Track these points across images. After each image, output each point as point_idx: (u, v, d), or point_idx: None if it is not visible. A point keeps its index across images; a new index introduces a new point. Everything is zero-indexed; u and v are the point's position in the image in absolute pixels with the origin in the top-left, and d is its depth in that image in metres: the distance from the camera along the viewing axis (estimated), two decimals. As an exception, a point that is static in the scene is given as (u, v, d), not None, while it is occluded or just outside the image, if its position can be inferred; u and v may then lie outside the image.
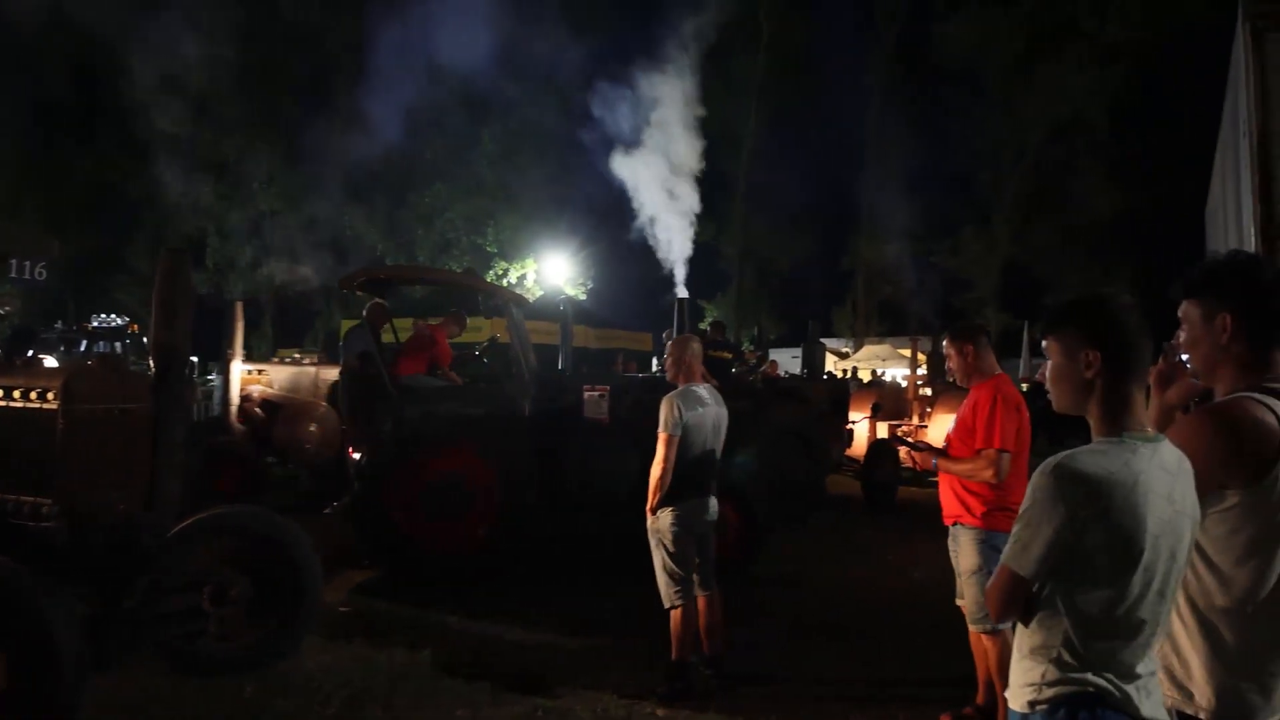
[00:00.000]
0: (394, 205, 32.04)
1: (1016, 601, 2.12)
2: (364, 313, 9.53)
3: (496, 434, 8.05)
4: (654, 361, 23.33)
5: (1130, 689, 2.03)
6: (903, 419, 13.76)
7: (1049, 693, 2.07)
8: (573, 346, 12.74)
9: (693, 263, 11.47)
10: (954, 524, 4.96)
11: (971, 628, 4.89)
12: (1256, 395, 2.29)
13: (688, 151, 11.04)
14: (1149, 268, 28.67)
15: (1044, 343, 2.30)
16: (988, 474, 4.67)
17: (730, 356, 14.32)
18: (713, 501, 5.62)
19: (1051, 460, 2.05)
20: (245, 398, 10.99)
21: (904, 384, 15.87)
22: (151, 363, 5.18)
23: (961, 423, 4.94)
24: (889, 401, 14.19)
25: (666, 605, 5.43)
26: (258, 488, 9.92)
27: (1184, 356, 2.57)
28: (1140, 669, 2.06)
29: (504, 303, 8.99)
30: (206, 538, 5.31)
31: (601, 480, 8.22)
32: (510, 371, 8.80)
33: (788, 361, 25.37)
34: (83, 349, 22.42)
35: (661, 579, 5.44)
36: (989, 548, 4.64)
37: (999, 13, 32.55)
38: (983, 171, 35.22)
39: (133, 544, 4.76)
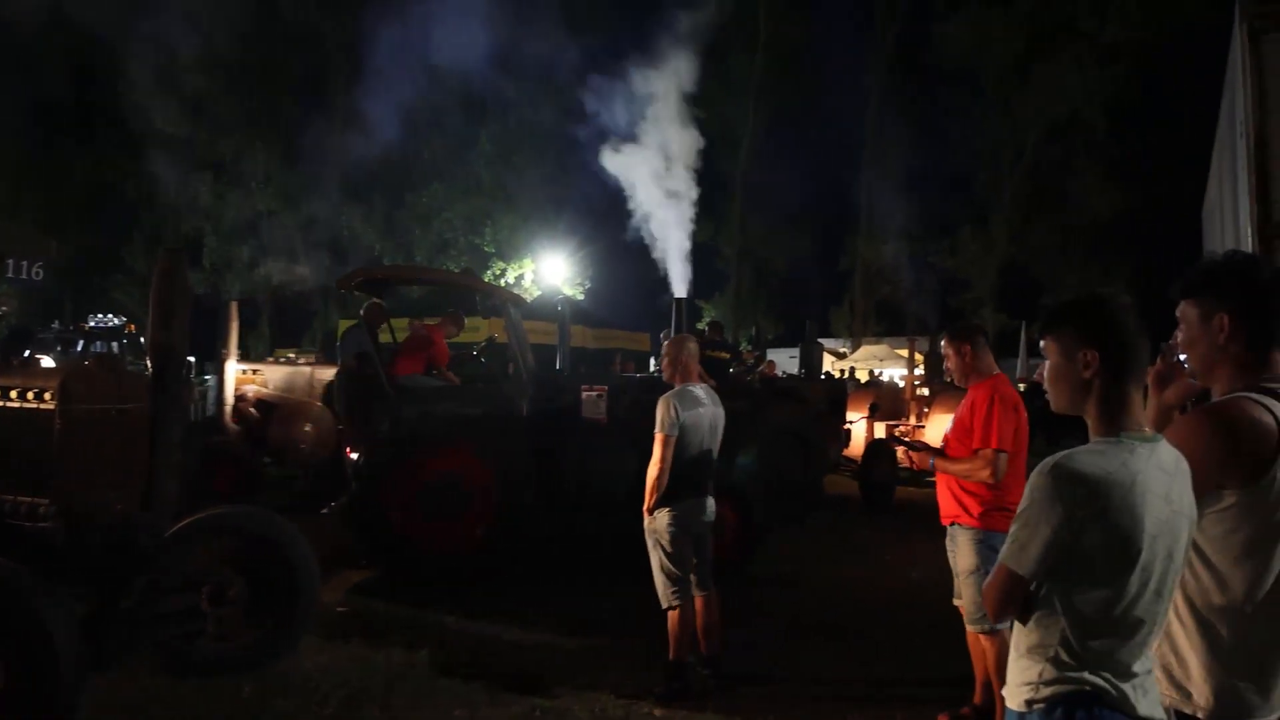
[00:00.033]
0: (392, 205, 32.04)
1: (1014, 601, 2.13)
2: (361, 313, 9.53)
3: (494, 434, 8.04)
4: (652, 361, 23.33)
5: (1127, 688, 2.04)
6: (900, 419, 13.77)
7: (1046, 691, 2.07)
8: (570, 346, 12.75)
9: (690, 262, 11.47)
10: (951, 524, 4.96)
11: (969, 628, 4.89)
12: (1254, 395, 2.29)
13: (686, 150, 11.04)
14: (1146, 268, 28.73)
15: (1042, 343, 2.31)
16: (985, 474, 4.67)
17: (728, 356, 14.32)
18: (710, 502, 5.62)
19: (1049, 460, 2.05)
20: (240, 398, 10.97)
21: (901, 384, 15.89)
22: (149, 363, 5.17)
23: (959, 423, 4.94)
24: (886, 402, 14.20)
25: (664, 605, 5.43)
26: (253, 488, 9.91)
27: (1182, 356, 2.57)
28: (1137, 668, 2.06)
29: (502, 303, 8.99)
30: (204, 538, 5.31)
31: (599, 480, 8.21)
32: (508, 371, 8.79)
33: (785, 361, 25.38)
34: (80, 349, 22.40)
35: (659, 579, 5.44)
36: (986, 548, 4.64)
37: (997, 13, 32.55)
38: (981, 172, 35.26)
39: (130, 544, 4.76)
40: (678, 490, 5.39)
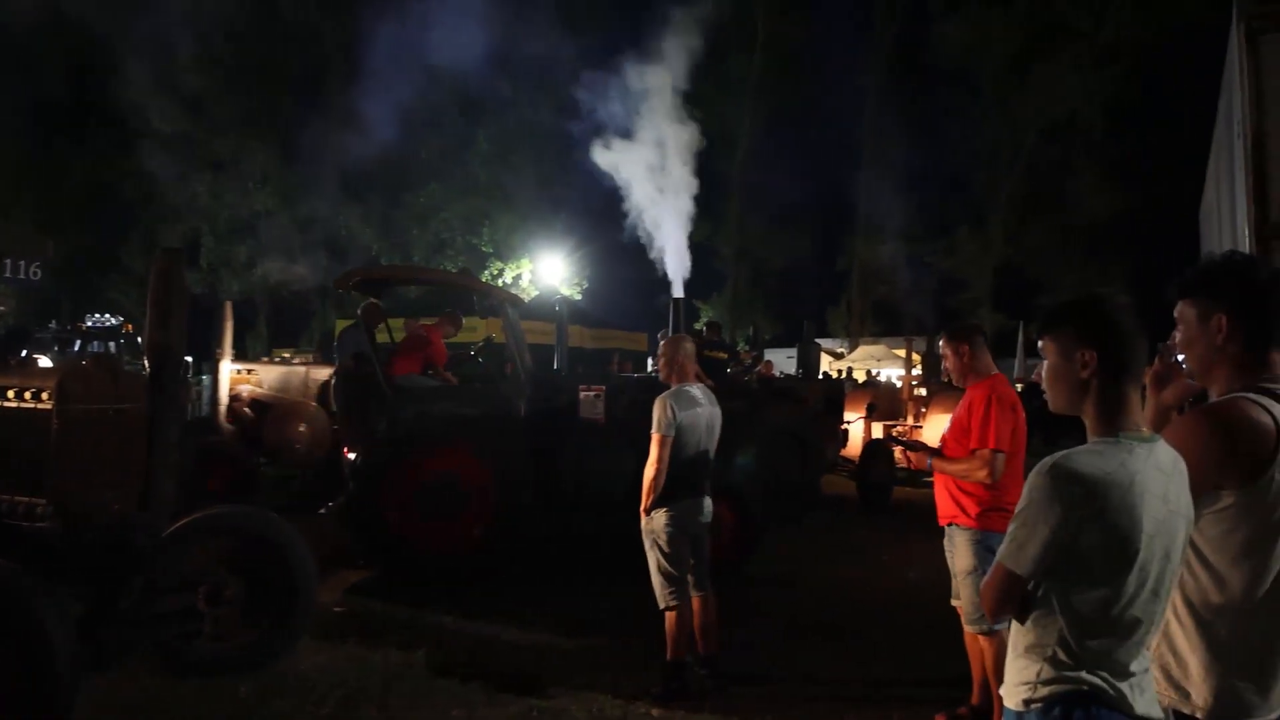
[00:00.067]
0: (389, 205, 32.01)
1: (1012, 600, 2.13)
2: (358, 312, 9.53)
3: (492, 434, 8.04)
4: (649, 361, 23.33)
5: (1124, 687, 2.04)
6: (898, 419, 13.78)
7: (1044, 691, 2.07)
8: (568, 346, 12.74)
9: (689, 262, 11.46)
10: (949, 524, 4.96)
11: (967, 628, 4.89)
12: (1252, 395, 2.30)
13: (683, 149, 11.03)
14: (1144, 268, 28.70)
15: (1040, 343, 2.31)
16: (982, 474, 4.67)
17: (726, 357, 14.34)
18: (707, 502, 5.61)
19: (1048, 460, 2.05)
20: (234, 398, 10.97)
21: (899, 384, 15.90)
22: (146, 363, 5.17)
23: (957, 423, 4.94)
24: (884, 402, 14.22)
25: (661, 606, 5.43)
26: (248, 488, 9.90)
27: (1180, 357, 2.57)
28: (1134, 667, 2.07)
29: (499, 303, 8.99)
30: (201, 538, 5.31)
31: (597, 480, 8.21)
32: (506, 371, 8.79)
33: (783, 361, 25.36)
34: (77, 349, 22.37)
35: (656, 580, 5.44)
36: (984, 548, 4.64)
37: (994, 14, 32.57)
38: (978, 172, 35.27)
39: (127, 544, 4.75)
40: (675, 491, 5.38)
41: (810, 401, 12.68)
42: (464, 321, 10.56)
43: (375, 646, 6.13)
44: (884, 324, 38.17)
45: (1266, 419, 2.23)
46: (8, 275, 11.02)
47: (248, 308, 33.39)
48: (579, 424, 8.40)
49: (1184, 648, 2.32)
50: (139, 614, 4.77)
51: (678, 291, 10.48)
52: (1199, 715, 2.28)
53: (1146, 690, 2.09)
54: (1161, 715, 2.12)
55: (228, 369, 10.73)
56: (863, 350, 32.62)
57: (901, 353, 18.57)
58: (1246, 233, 5.71)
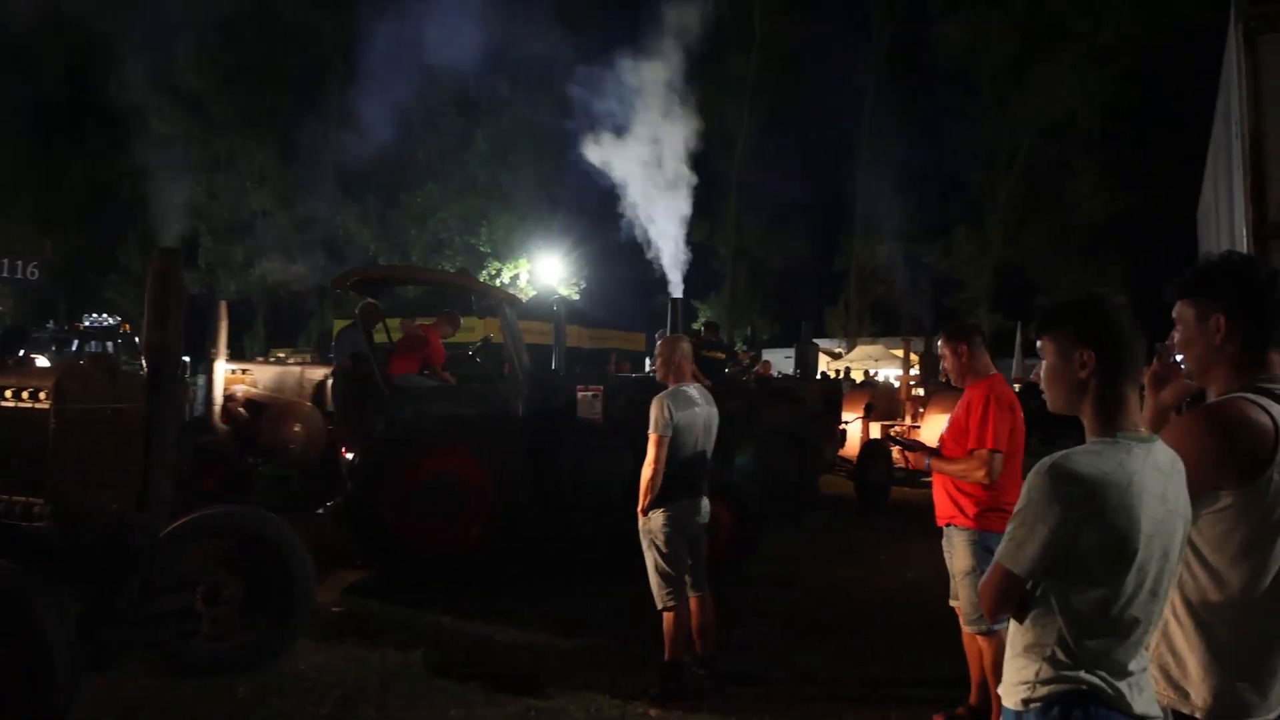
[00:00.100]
0: (387, 205, 32.00)
1: (1010, 599, 2.13)
2: (356, 312, 9.52)
3: (490, 434, 8.04)
4: (647, 361, 23.33)
5: (1123, 686, 2.04)
6: (895, 419, 13.78)
7: (1043, 691, 2.08)
8: (566, 346, 12.74)
9: (686, 262, 11.46)
10: (947, 525, 4.96)
11: (966, 629, 4.89)
12: (1250, 395, 2.30)
13: (681, 147, 11.02)
14: (1141, 268, 28.75)
15: (1039, 343, 2.31)
16: (980, 474, 4.67)
17: (723, 357, 14.34)
18: (704, 502, 5.61)
19: (1047, 460, 2.06)
20: (229, 397, 10.95)
21: (897, 384, 15.90)
22: (144, 362, 5.16)
23: (955, 423, 4.94)
24: (882, 402, 14.22)
25: (659, 606, 5.43)
26: (242, 488, 9.88)
27: (1178, 357, 2.57)
28: (1132, 666, 2.07)
29: (497, 303, 8.99)
30: (199, 538, 5.31)
31: (595, 480, 8.21)
32: (504, 371, 8.79)
33: (781, 362, 25.36)
34: (74, 349, 22.35)
35: (654, 580, 5.44)
36: (982, 549, 4.64)
37: (993, 14, 32.58)
38: (976, 172, 35.27)
39: (125, 544, 4.74)
40: (672, 491, 5.38)
41: (808, 402, 12.69)
42: (462, 321, 10.55)
43: (373, 646, 6.13)
44: (882, 324, 38.18)
45: (1265, 419, 2.24)
46: (5, 275, 11.03)
47: (245, 308, 33.39)
48: (577, 424, 8.40)
49: (1183, 647, 2.32)
50: (137, 614, 4.76)
51: (675, 291, 10.48)
52: (1198, 715, 2.28)
53: (1145, 689, 2.09)
54: (1160, 714, 2.13)
55: (222, 369, 10.72)
56: (860, 350, 32.64)
57: (899, 353, 18.59)
58: (1244, 233, 5.70)
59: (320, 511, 8.34)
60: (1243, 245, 5.66)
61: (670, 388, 5.53)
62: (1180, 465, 2.15)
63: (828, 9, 38.80)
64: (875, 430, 13.32)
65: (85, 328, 24.08)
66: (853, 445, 13.21)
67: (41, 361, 15.16)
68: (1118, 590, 2.02)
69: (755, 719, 5.14)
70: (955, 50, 33.28)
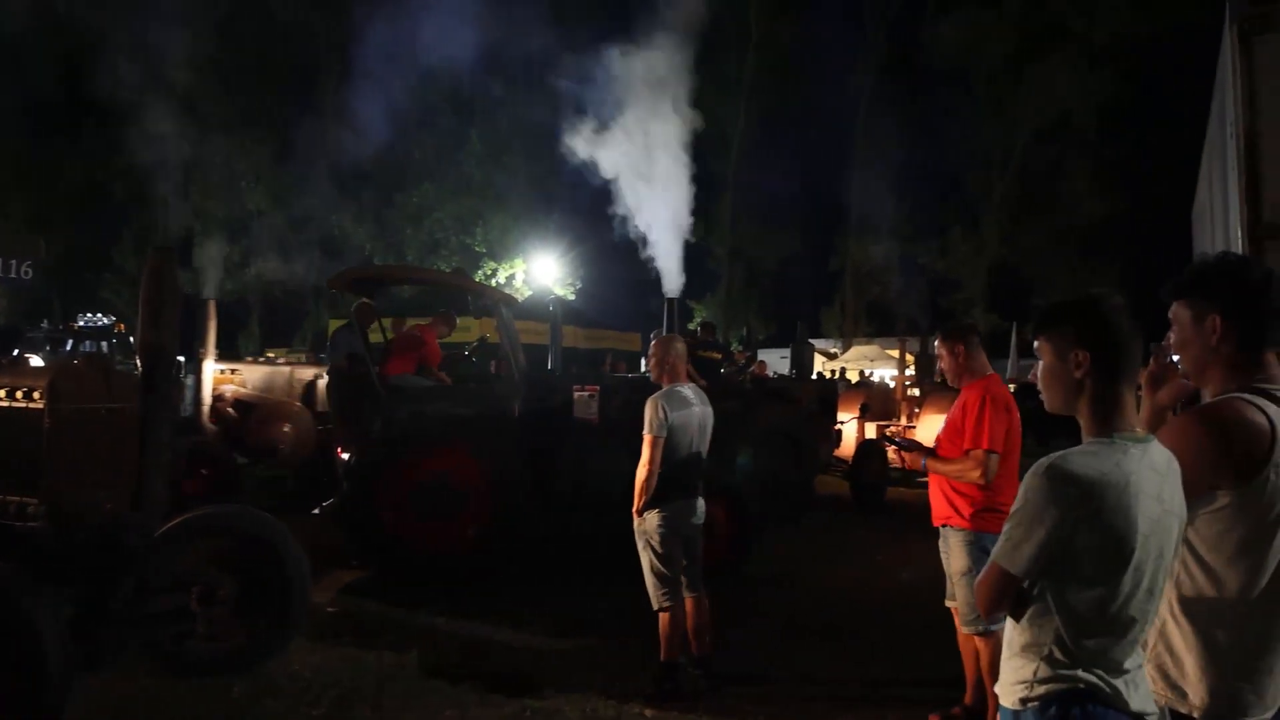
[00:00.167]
0: (382, 205, 31.97)
1: (1006, 599, 2.14)
2: (351, 311, 9.51)
3: (487, 434, 8.03)
4: (643, 362, 23.33)
5: (1119, 684, 2.05)
6: (891, 419, 13.79)
7: (1040, 690, 2.08)
8: (562, 346, 12.74)
9: (683, 262, 11.45)
10: (943, 525, 4.96)
11: (963, 629, 4.89)
12: (1246, 396, 2.30)
13: (678, 146, 11.01)
14: (1136, 269, 28.82)
15: (1036, 343, 2.31)
16: (975, 475, 4.67)
17: (719, 357, 14.34)
18: (700, 503, 5.60)
19: (1044, 461, 2.06)
20: (218, 398, 10.91)
21: (892, 384, 15.91)
22: (138, 362, 5.15)
23: (951, 423, 4.94)
24: (877, 402, 14.23)
25: (655, 607, 5.43)
26: (231, 488, 9.85)
27: (1174, 357, 2.57)
28: (1129, 664, 2.08)
29: (493, 303, 8.98)
30: (194, 538, 5.29)
31: (591, 480, 8.21)
32: (500, 371, 8.78)
33: (776, 362, 25.38)
34: (69, 348, 22.31)
35: (649, 581, 5.44)
36: (978, 549, 4.64)
37: (988, 14, 32.63)
38: (971, 172, 35.36)
39: (120, 544, 4.74)
40: (667, 492, 5.37)
41: (804, 402, 12.68)
42: (458, 321, 10.54)
43: (369, 647, 6.12)
44: (877, 324, 38.25)
45: (1261, 419, 2.24)
46: (-1, 274, 11.00)
47: (240, 307, 33.34)
48: (574, 424, 8.40)
49: (1180, 647, 2.33)
50: (132, 614, 4.75)
51: (671, 291, 10.47)
52: (1196, 714, 2.28)
53: (1140, 686, 2.10)
54: (1156, 711, 2.14)
55: (211, 369, 10.68)
56: (856, 350, 32.65)
57: (895, 353, 18.62)
58: (1239, 233, 5.71)
59: (316, 511, 8.33)
60: (1237, 246, 5.66)
61: (665, 388, 5.52)
62: (1175, 465, 2.16)
63: (824, 9, 38.79)
64: (871, 430, 13.33)
65: (80, 327, 24.05)
66: (848, 445, 13.21)
67: (36, 361, 15.15)
68: (1115, 590, 2.02)
69: (751, 719, 5.14)
70: (951, 50, 33.34)
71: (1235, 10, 5.83)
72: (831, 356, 31.30)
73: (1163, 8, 29.11)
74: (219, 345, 11.29)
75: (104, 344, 22.97)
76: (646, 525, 5.39)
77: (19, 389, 4.81)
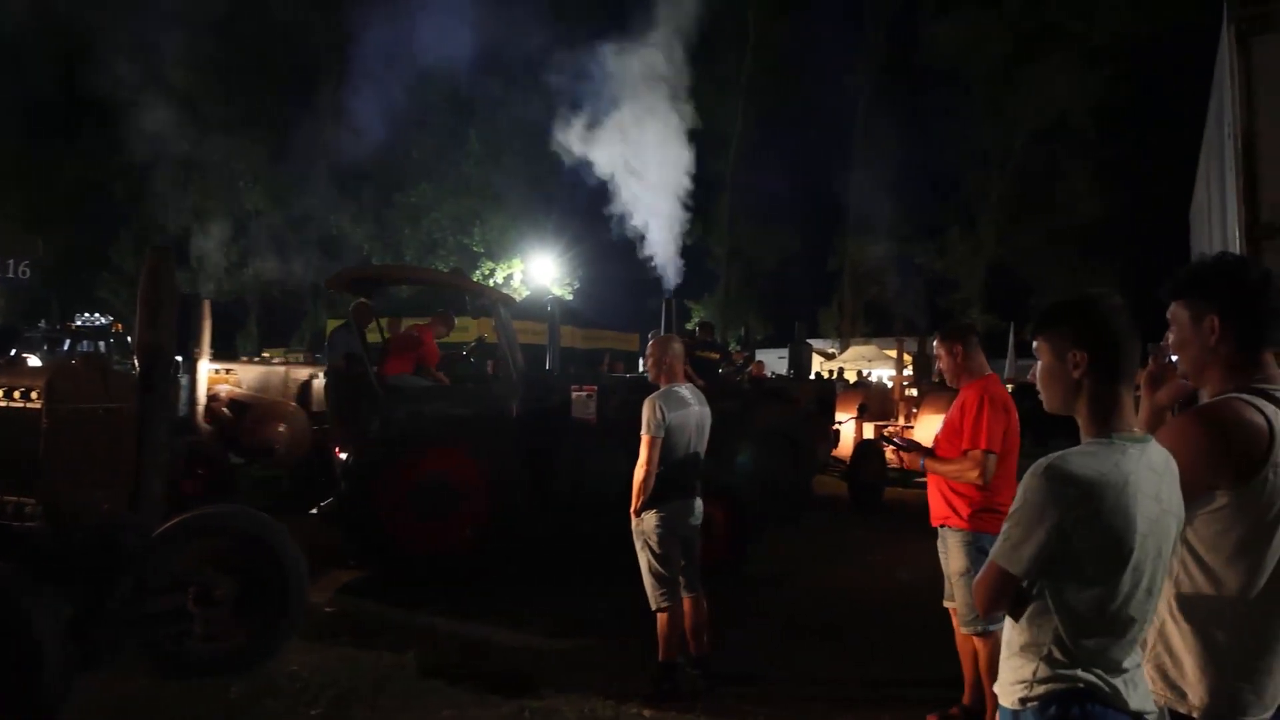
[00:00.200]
0: (381, 205, 31.96)
1: (1004, 598, 2.14)
2: (350, 311, 9.50)
3: (485, 434, 8.02)
4: (640, 362, 23.34)
5: (1118, 682, 2.05)
6: (889, 419, 13.80)
7: (1040, 689, 2.08)
8: (560, 346, 12.75)
9: (681, 261, 11.46)
10: (941, 526, 4.96)
11: (961, 630, 4.89)
12: (1244, 396, 2.31)
13: (676, 149, 11.02)
14: (1133, 269, 28.85)
15: (1034, 344, 2.31)
16: (973, 475, 4.67)
17: (717, 357, 14.33)
18: (698, 503, 5.59)
19: (1043, 461, 2.06)
20: (213, 397, 10.89)
21: (890, 385, 15.91)
22: (136, 362, 5.15)
23: (949, 423, 4.94)
24: (875, 402, 14.22)
25: (653, 607, 5.42)
26: (226, 488, 9.83)
27: (1173, 358, 2.58)
28: (1127, 663, 2.08)
29: (491, 303, 8.97)
30: (191, 538, 5.29)
31: (589, 480, 8.20)
32: (489, 370, 8.76)
33: (774, 362, 25.39)
34: (66, 348, 22.32)
35: (647, 581, 5.43)
36: (976, 550, 4.64)
37: (986, 15, 32.65)
38: (969, 173, 35.40)
39: (117, 544, 4.73)
40: (665, 492, 5.37)
41: (802, 402, 12.67)
42: (456, 321, 10.53)
43: (366, 647, 6.12)
44: (875, 324, 38.31)
45: (1259, 419, 2.24)
46: (-3, 274, 10.97)
47: (238, 307, 33.33)
48: (572, 424, 8.39)
49: (1180, 647, 2.33)
50: (129, 614, 4.75)
51: (669, 291, 10.47)
52: (1195, 714, 2.28)
53: (1139, 685, 2.11)
54: (1155, 710, 2.14)
55: (205, 368, 10.66)
56: (854, 351, 32.69)
57: (892, 353, 18.62)
58: (1237, 233, 5.72)
59: (314, 512, 8.32)
60: (1235, 246, 5.67)
61: (662, 388, 5.52)
62: (1173, 465, 2.16)
63: (822, 9, 38.77)
64: (869, 431, 13.34)
65: (77, 327, 24.07)
66: (846, 445, 13.20)
67: (33, 361, 15.14)
68: (1114, 590, 2.03)
69: (749, 719, 5.14)
70: (948, 51, 33.38)
71: (1233, 11, 5.84)
72: (829, 356, 31.33)
73: (1160, 8, 29.14)
74: (217, 345, 11.27)
75: (101, 344, 22.99)
76: (644, 525, 5.38)
77: (17, 389, 4.80)
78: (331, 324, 18.81)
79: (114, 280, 34.37)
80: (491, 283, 29.78)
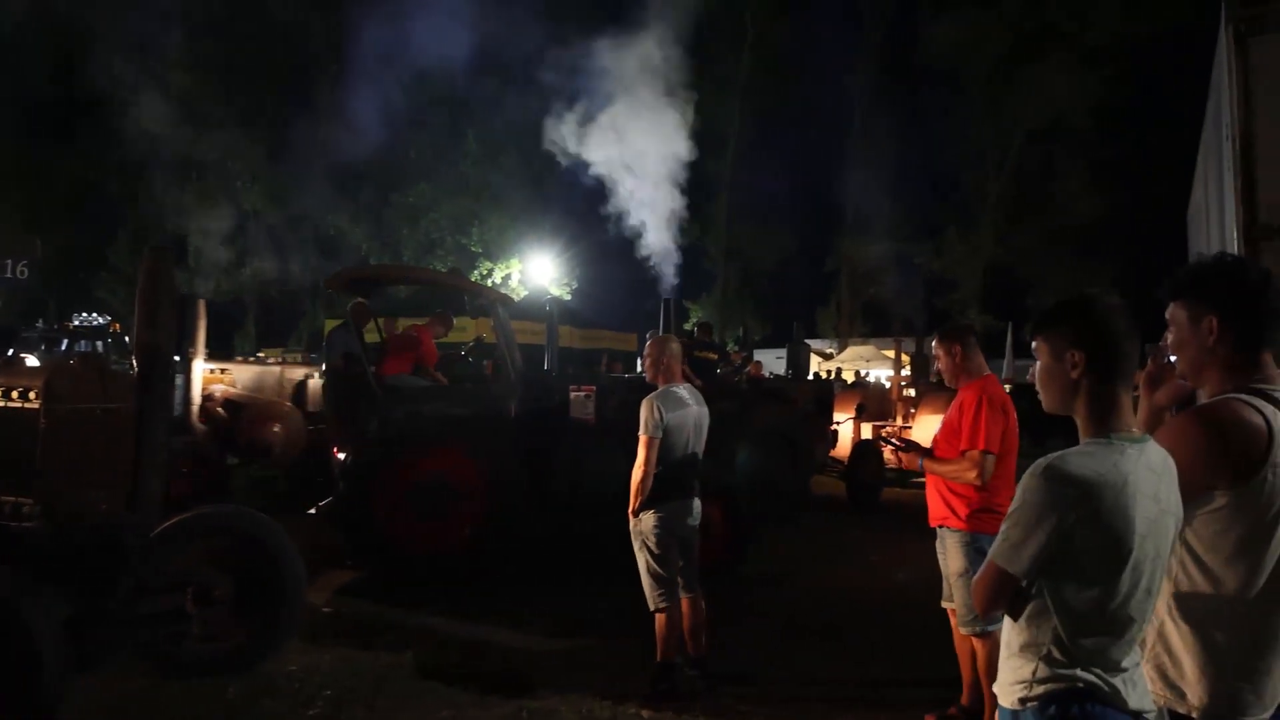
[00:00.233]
0: (379, 205, 31.95)
1: (1003, 598, 2.15)
2: (347, 311, 9.49)
3: (483, 434, 8.02)
4: (638, 362, 23.33)
5: (1117, 682, 2.06)
6: (887, 420, 13.80)
7: (1040, 689, 2.09)
8: (558, 346, 12.73)
9: (678, 262, 11.46)
10: (940, 526, 4.97)
11: (960, 630, 4.89)
12: (1243, 396, 2.31)
13: (674, 149, 11.03)
14: (1132, 269, 28.84)
15: (1033, 344, 2.32)
16: (971, 475, 4.67)
17: (716, 357, 14.33)
18: (696, 504, 5.59)
19: (1042, 461, 2.07)
20: (207, 397, 10.87)
21: (888, 385, 15.91)
22: (134, 362, 5.14)
23: (947, 424, 4.94)
24: (873, 402, 14.22)
25: (651, 608, 5.42)
26: (220, 489, 9.80)
27: (1172, 358, 2.58)
28: (1126, 663, 2.09)
29: (489, 302, 8.97)
30: (190, 538, 5.28)
31: (588, 480, 8.20)
32: (485, 370, 8.76)
33: (772, 362, 25.40)
34: (64, 348, 22.31)
35: (646, 581, 5.43)
36: (975, 550, 4.64)
37: (983, 15, 32.67)
38: (967, 173, 35.40)
39: (115, 544, 4.73)
40: (663, 492, 5.36)
41: (800, 402, 12.67)
42: (454, 321, 10.53)
43: (365, 647, 6.12)
44: (873, 324, 38.33)
45: (1258, 419, 2.25)
46: (-5, 274, 10.97)
47: (236, 307, 33.31)
48: (570, 424, 8.39)
49: (1179, 647, 2.33)
50: (127, 614, 4.74)
51: (667, 291, 10.47)
52: (1194, 714, 2.29)
53: (1138, 684, 2.11)
54: (1154, 709, 2.14)
55: (200, 368, 10.63)
56: (852, 351, 32.71)
57: (890, 353, 18.63)
58: (1234, 234, 5.73)
59: (312, 512, 8.31)
60: (1233, 246, 5.68)
61: (660, 388, 5.52)
62: (1172, 464, 2.16)
63: (820, 9, 38.86)
64: (866, 431, 13.34)
65: (75, 327, 24.07)
66: (844, 446, 13.21)
67: (31, 361, 15.12)
68: (1113, 589, 2.03)
69: (747, 719, 5.14)
70: (946, 51, 33.39)
71: (1231, 11, 5.84)
72: (827, 357, 31.35)
73: (1159, 8, 29.15)
74: (215, 345, 11.24)
75: (99, 344, 22.98)
76: (642, 526, 5.38)
77: (15, 389, 4.80)
78: (330, 324, 18.79)
79: (112, 280, 34.33)
80: (489, 283, 29.77)
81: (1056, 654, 2.07)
